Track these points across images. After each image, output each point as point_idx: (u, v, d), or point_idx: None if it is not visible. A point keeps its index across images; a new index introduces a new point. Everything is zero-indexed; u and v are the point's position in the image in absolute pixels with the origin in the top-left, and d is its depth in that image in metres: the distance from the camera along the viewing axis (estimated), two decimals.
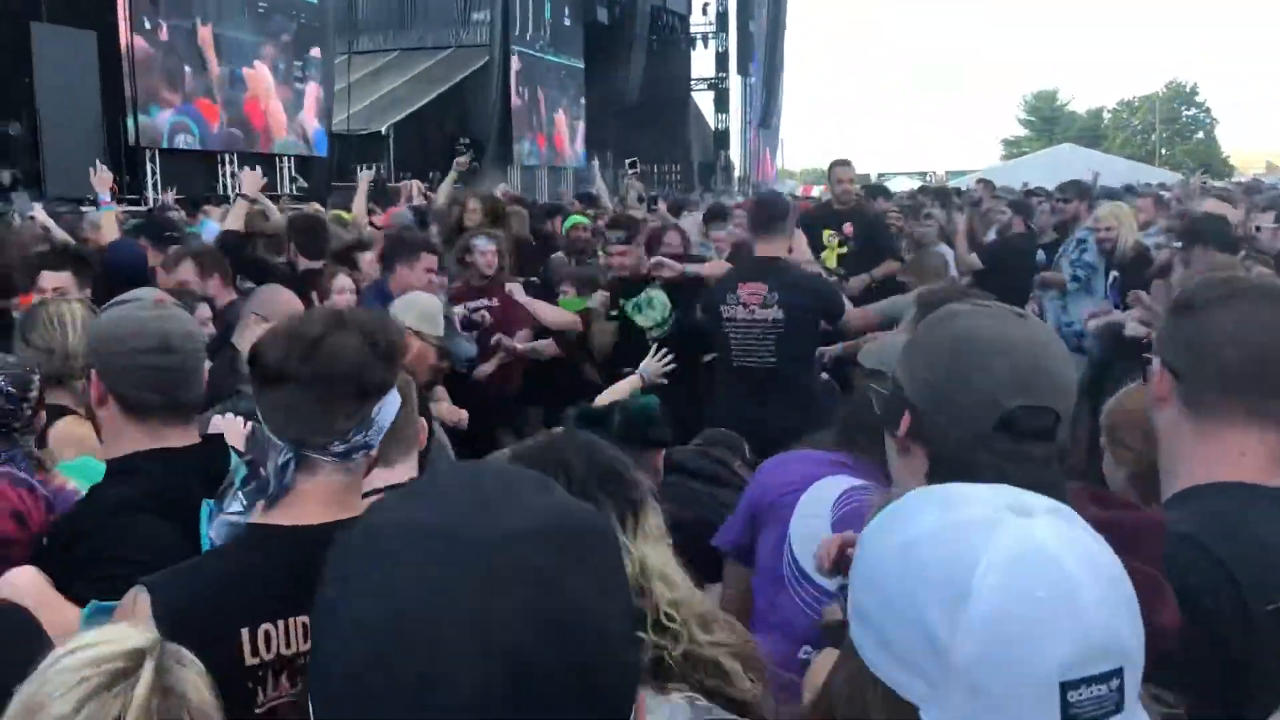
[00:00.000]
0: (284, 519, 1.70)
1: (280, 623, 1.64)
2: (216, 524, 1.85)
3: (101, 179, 6.51)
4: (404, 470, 2.25)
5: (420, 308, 4.22)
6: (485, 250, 6.05)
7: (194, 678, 1.21)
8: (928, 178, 26.72)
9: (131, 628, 1.23)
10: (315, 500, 1.70)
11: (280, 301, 3.89)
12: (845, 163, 8.13)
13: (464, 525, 0.65)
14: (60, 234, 6.35)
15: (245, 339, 3.44)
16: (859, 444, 2.41)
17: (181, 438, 2.18)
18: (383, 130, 22.47)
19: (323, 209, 9.25)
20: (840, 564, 1.80)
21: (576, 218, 7.94)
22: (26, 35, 14.65)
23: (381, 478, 1.95)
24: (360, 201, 8.22)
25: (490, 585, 0.62)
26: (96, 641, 1.16)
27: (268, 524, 1.71)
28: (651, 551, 1.55)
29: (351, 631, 0.64)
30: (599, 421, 2.75)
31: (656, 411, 2.93)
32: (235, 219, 6.30)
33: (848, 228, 7.63)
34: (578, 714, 0.62)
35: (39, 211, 7.14)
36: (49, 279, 4.20)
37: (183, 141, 17.76)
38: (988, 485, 0.93)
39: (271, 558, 1.67)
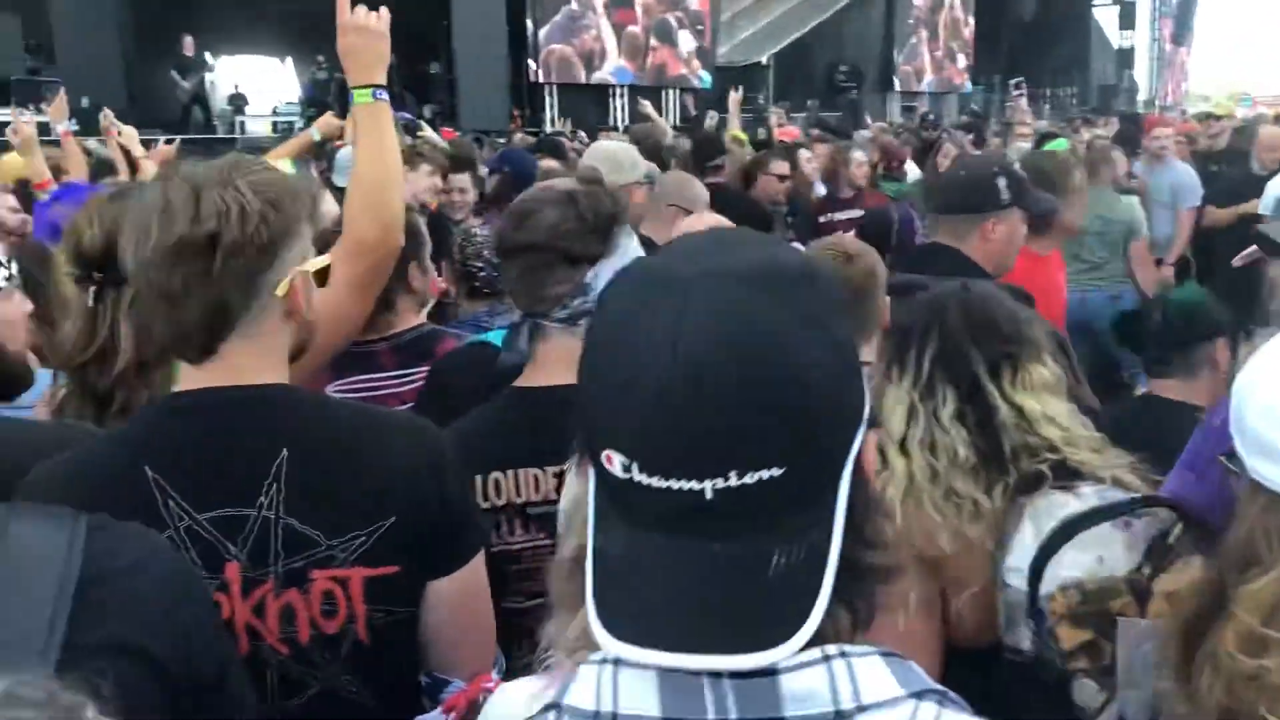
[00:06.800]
0: (527, 381, 1.86)
1: (511, 472, 1.80)
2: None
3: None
4: None
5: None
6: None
7: None
8: None
9: None
10: (552, 364, 1.82)
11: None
12: None
13: (674, 266, 0.79)
14: (443, 144, 7.20)
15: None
16: None
17: None
18: (763, 60, 22.70)
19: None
20: None
21: (1062, 141, 7.60)
22: None
23: None
24: (734, 120, 8.51)
25: (681, 307, 0.75)
26: None
27: (516, 386, 1.88)
28: (1031, 400, 1.70)
29: (587, 348, 0.81)
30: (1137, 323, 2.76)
31: (1203, 302, 2.76)
32: None
33: None
34: (754, 417, 0.73)
35: (427, 130, 8.12)
36: (455, 179, 5.20)
37: (576, 76, 18.95)
38: None
39: (514, 415, 1.86)
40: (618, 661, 0.79)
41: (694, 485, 0.73)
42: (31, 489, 1.38)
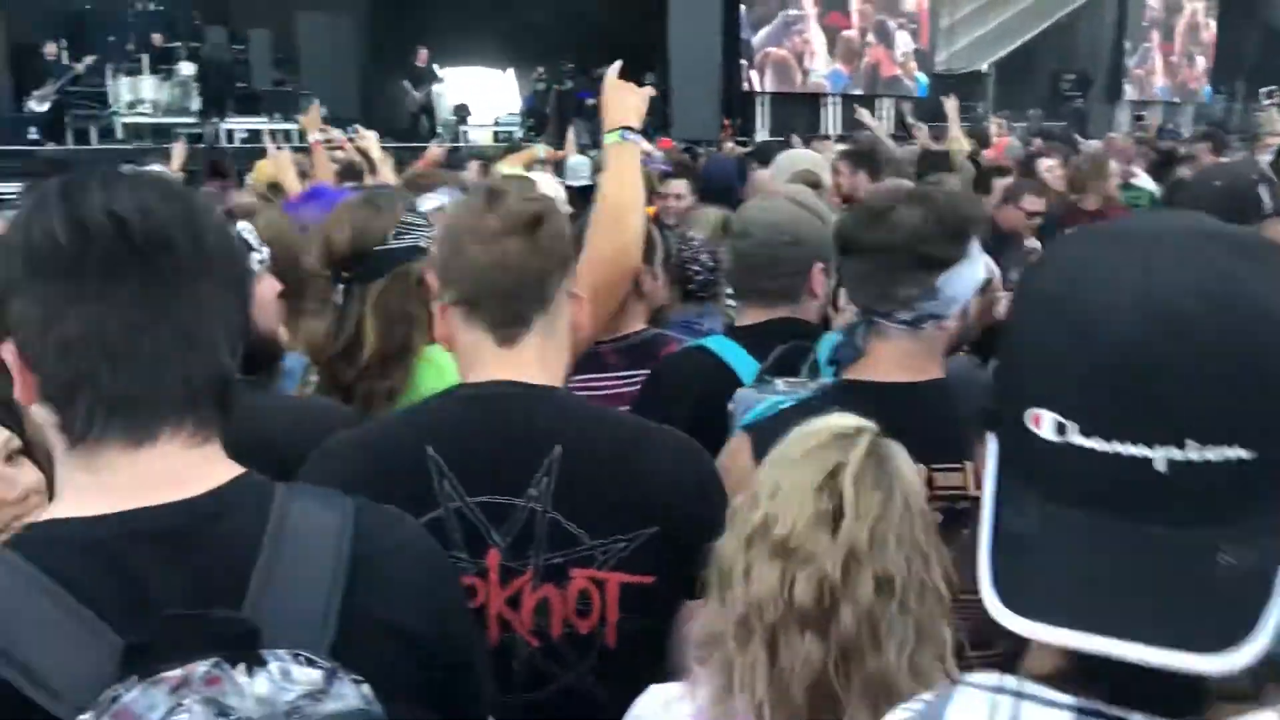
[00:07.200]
0: (858, 374, 1.86)
1: None
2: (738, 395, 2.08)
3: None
4: None
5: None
6: None
7: (903, 456, 1.36)
8: None
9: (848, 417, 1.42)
10: (885, 362, 1.83)
11: None
12: None
13: (1127, 225, 0.76)
14: (658, 153, 7.43)
15: None
16: None
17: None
18: (983, 68, 21.96)
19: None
20: None
21: None
22: None
23: None
24: (955, 128, 8.29)
25: (1147, 258, 0.69)
26: (824, 421, 1.41)
27: (846, 379, 1.88)
28: None
29: (1023, 301, 0.75)
30: None
31: None
32: None
33: None
34: (1231, 380, 0.65)
35: (643, 142, 8.36)
36: (673, 185, 5.45)
37: (791, 79, 18.90)
38: None
39: (844, 406, 1.80)
40: (1019, 694, 0.71)
41: (1143, 452, 0.65)
42: (325, 455, 1.49)
